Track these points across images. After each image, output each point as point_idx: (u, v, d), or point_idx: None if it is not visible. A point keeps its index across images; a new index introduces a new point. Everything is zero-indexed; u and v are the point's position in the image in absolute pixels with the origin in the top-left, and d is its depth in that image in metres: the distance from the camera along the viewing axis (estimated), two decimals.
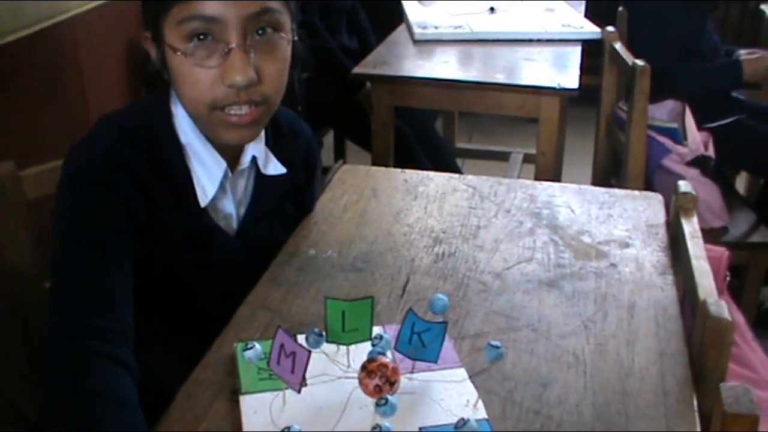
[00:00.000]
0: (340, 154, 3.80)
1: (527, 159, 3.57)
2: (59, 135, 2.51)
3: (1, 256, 1.47)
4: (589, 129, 3.02)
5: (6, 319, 1.53)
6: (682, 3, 2.82)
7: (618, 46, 2.57)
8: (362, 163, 2.82)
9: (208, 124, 1.28)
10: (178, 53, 1.22)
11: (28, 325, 1.49)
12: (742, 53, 2.92)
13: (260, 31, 1.23)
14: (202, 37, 1.21)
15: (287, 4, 1.27)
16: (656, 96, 2.63)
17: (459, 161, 3.75)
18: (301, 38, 1.32)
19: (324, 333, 1.08)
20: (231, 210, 1.39)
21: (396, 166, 2.61)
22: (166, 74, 1.29)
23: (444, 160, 3.34)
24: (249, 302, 1.28)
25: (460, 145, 3.92)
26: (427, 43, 2.84)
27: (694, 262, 1.30)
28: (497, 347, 1.07)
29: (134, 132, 1.29)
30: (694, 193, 1.48)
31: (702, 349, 1.12)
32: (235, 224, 1.40)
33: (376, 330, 1.11)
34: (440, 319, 1.09)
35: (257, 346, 1.07)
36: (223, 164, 1.33)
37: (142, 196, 1.27)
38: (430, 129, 3.44)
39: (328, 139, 3.65)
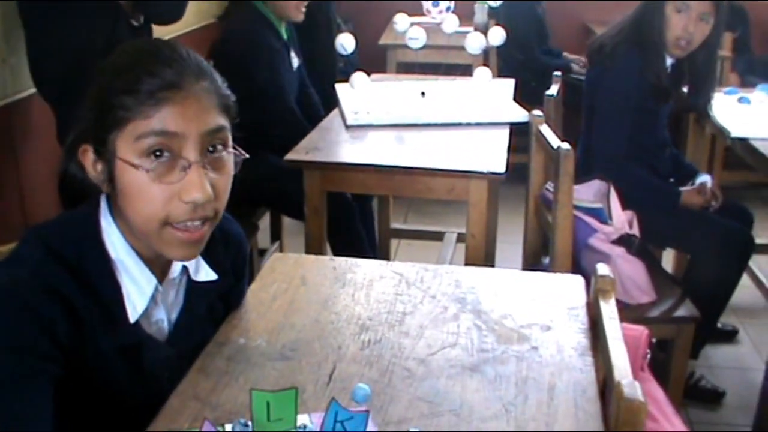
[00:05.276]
0: (276, 236, 3.82)
1: (461, 238, 3.59)
2: None
3: None
4: (521, 207, 3.08)
5: None
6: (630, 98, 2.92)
7: (544, 128, 2.62)
8: (299, 244, 2.85)
9: (156, 241, 1.27)
10: (139, 169, 1.21)
11: None
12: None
13: (211, 148, 1.25)
14: (158, 153, 1.21)
15: (231, 120, 1.30)
16: (585, 175, 2.73)
17: (394, 242, 3.80)
18: None
19: (250, 423, 1.11)
20: (162, 316, 1.38)
21: (336, 236, 2.66)
22: (108, 188, 1.28)
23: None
24: (179, 392, 1.29)
25: (395, 225, 3.94)
26: (359, 128, 2.90)
27: (611, 344, 1.34)
28: None
29: (61, 249, 1.27)
30: (612, 276, 1.53)
31: (617, 429, 1.16)
32: (166, 329, 1.39)
33: (302, 419, 1.14)
34: (363, 408, 1.12)
35: None
36: (153, 280, 1.33)
37: (67, 317, 1.23)
38: (368, 208, 3.50)
39: (264, 221, 3.67)
